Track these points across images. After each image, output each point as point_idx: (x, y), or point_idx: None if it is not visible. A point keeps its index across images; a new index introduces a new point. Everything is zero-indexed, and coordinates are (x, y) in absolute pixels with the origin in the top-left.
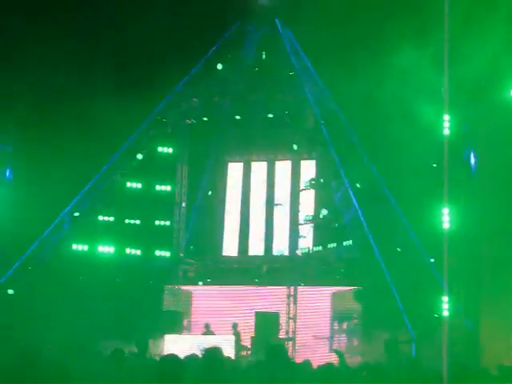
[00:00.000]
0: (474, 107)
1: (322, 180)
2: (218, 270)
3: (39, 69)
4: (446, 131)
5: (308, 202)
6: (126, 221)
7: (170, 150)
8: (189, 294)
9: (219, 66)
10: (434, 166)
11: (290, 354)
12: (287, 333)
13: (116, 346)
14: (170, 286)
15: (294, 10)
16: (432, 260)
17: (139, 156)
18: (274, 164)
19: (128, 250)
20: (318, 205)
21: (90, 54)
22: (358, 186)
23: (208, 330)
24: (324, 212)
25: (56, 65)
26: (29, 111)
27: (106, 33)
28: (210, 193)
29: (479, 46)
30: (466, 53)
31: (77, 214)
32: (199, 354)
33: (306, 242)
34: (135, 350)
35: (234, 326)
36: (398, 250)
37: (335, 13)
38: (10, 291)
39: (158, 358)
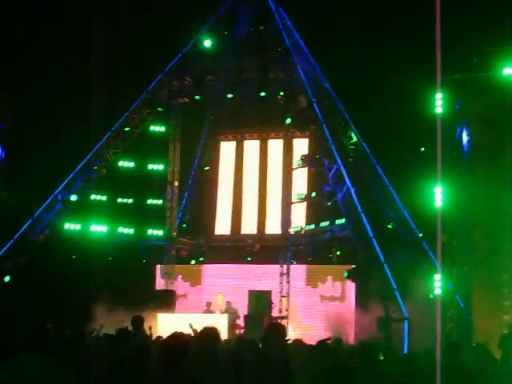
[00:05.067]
0: (467, 85)
1: (314, 158)
2: (211, 249)
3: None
4: (439, 109)
5: (301, 180)
6: (119, 200)
7: (163, 129)
8: (182, 273)
9: (207, 43)
10: (422, 149)
11: (284, 332)
12: (280, 311)
13: (110, 326)
14: (162, 265)
15: None
16: (420, 234)
17: (127, 128)
18: (266, 142)
19: (121, 229)
20: (311, 183)
21: (82, 37)
22: (350, 160)
23: (206, 308)
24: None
25: (49, 50)
26: (23, 91)
27: (98, 14)
28: (206, 168)
29: (471, 24)
30: (457, 31)
31: (69, 193)
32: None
33: (299, 220)
34: (130, 329)
35: (228, 303)
36: (389, 226)
37: None
38: (7, 278)
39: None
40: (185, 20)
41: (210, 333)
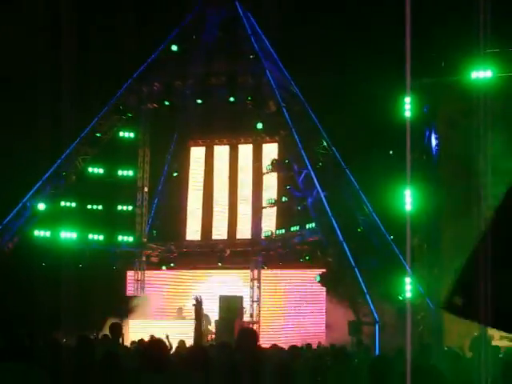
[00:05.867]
0: (435, 89)
1: (284, 163)
2: (182, 255)
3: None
4: (408, 113)
5: (271, 184)
6: (89, 206)
7: (132, 135)
8: (152, 279)
9: (174, 48)
10: (391, 153)
11: (257, 337)
12: (251, 316)
13: (80, 333)
14: (133, 271)
15: None
16: (391, 237)
17: (100, 135)
18: (236, 147)
19: (91, 236)
20: (281, 188)
21: (52, 44)
22: (319, 164)
23: (177, 314)
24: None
25: (17, 51)
26: None
27: (69, 19)
28: (175, 174)
29: (441, 27)
30: (426, 35)
31: (39, 200)
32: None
33: (269, 225)
34: (109, 336)
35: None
36: (359, 230)
37: None
38: None
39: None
40: (153, 25)
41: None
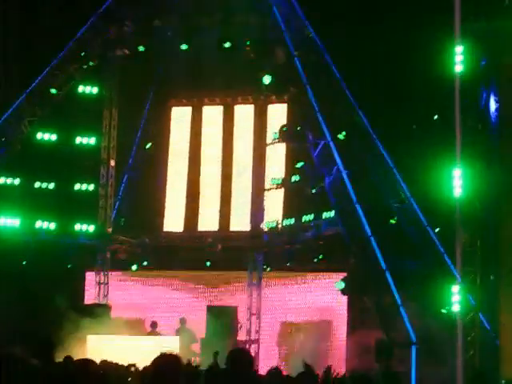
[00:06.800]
0: (496, 36)
1: (295, 131)
2: (158, 250)
3: None
4: (458, 67)
5: (277, 159)
6: (37, 184)
7: (95, 90)
8: (119, 282)
9: None
10: (436, 118)
11: (252, 360)
12: (249, 333)
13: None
14: (94, 272)
15: None
16: (437, 229)
17: (53, 90)
18: (231, 109)
19: (39, 224)
20: (290, 163)
21: None
22: (342, 134)
23: (151, 329)
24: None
25: None
26: None
27: None
28: (148, 146)
29: None
30: None
31: None
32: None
33: (274, 213)
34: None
35: (182, 321)
36: (393, 221)
37: None
38: None
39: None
40: None
41: (170, 361)
